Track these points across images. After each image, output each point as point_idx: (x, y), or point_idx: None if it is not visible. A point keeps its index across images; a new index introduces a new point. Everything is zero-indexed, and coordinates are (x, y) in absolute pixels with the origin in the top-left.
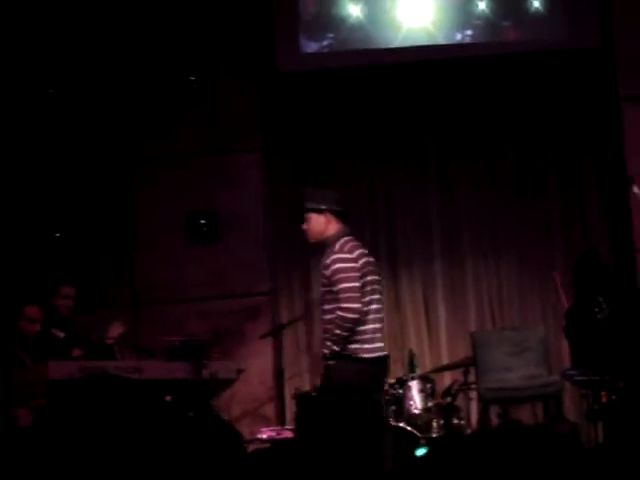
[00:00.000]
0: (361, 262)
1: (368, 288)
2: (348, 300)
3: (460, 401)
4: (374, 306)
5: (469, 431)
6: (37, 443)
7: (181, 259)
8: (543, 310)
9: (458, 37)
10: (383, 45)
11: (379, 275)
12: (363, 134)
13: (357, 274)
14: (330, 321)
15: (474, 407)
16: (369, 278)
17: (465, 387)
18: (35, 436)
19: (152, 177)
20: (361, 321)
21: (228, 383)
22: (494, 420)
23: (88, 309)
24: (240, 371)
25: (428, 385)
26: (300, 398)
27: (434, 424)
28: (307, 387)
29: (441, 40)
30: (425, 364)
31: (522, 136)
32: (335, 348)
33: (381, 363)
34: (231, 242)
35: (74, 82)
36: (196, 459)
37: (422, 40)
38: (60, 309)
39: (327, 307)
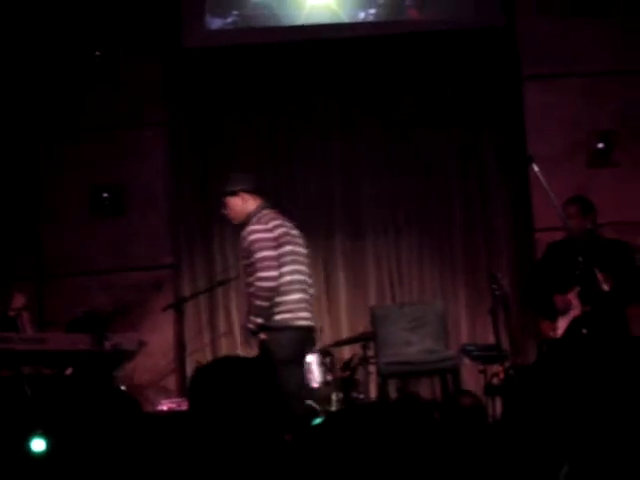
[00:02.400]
0: (277, 232)
1: (288, 258)
2: (264, 269)
3: (359, 375)
4: (297, 277)
5: None
6: None
7: (86, 232)
8: (442, 285)
9: (361, 15)
10: (287, 23)
11: (303, 246)
12: (267, 111)
13: (272, 244)
14: (252, 294)
15: (373, 381)
16: (288, 248)
17: (364, 361)
18: None
19: (57, 150)
20: (284, 291)
21: (130, 355)
22: (393, 394)
23: None
24: (142, 343)
25: (327, 359)
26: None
27: (333, 398)
28: (209, 360)
29: (344, 18)
30: (325, 338)
31: (424, 115)
32: (259, 321)
33: (306, 333)
34: (135, 215)
35: None
36: (94, 430)
37: (325, 18)
38: None
39: (249, 280)
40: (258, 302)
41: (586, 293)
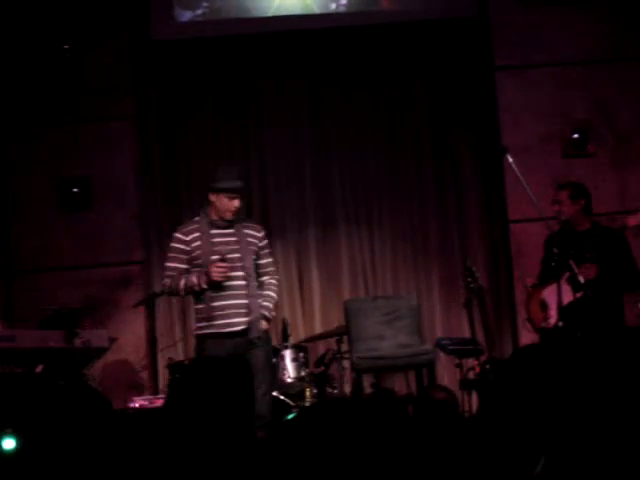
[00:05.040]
0: None
1: None
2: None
3: (334, 370)
4: None
5: None
6: None
7: (54, 227)
8: (416, 278)
9: (332, 6)
10: (257, 14)
11: None
12: (236, 103)
13: None
14: (269, 286)
15: (348, 376)
16: None
17: (339, 356)
18: None
19: (25, 145)
20: None
21: (100, 352)
22: (368, 389)
23: None
24: (112, 340)
25: (301, 354)
26: (173, 368)
27: (307, 393)
28: (180, 357)
29: (315, 9)
30: (299, 333)
31: (397, 107)
32: (274, 313)
33: None
34: (104, 210)
35: None
36: (64, 428)
37: (296, 9)
38: None
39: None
40: (276, 295)
41: (576, 279)
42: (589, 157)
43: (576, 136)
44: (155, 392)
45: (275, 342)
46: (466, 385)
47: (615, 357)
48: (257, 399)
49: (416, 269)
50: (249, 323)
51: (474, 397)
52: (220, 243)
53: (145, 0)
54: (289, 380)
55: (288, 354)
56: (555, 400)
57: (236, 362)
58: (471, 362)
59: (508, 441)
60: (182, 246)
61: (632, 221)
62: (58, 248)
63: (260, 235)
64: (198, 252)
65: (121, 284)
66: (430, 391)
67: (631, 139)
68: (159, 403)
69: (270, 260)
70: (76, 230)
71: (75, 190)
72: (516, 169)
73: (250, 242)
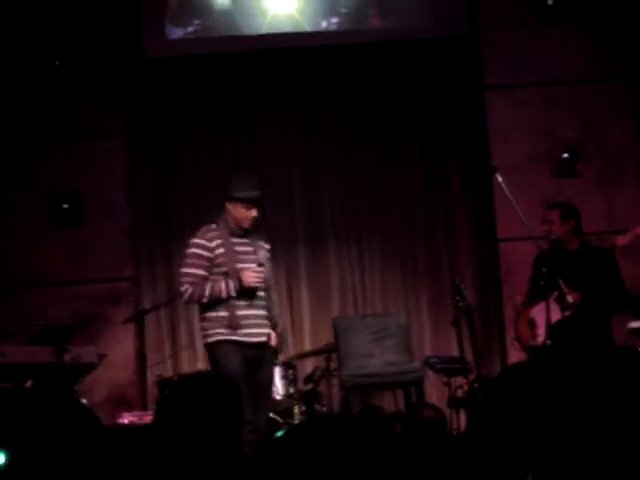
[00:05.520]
0: None
1: None
2: None
3: (322, 387)
4: None
5: None
6: None
7: (43, 242)
8: (405, 297)
9: (324, 25)
10: (249, 32)
11: None
12: (227, 120)
13: None
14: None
15: (336, 394)
16: None
17: (327, 373)
18: None
19: (15, 161)
20: None
21: (90, 368)
22: (356, 407)
23: None
24: (102, 356)
25: (290, 371)
26: (162, 384)
27: (296, 410)
28: (169, 373)
29: (307, 27)
30: (288, 350)
31: (387, 125)
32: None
33: None
34: (94, 226)
35: None
36: (54, 444)
37: (288, 27)
38: None
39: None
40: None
41: (565, 299)
42: (578, 177)
43: (565, 156)
44: (144, 408)
45: None
46: (454, 403)
47: (603, 376)
48: (259, 411)
49: (405, 287)
50: (267, 335)
51: (462, 415)
52: (241, 252)
53: (136, 17)
54: (278, 397)
55: (277, 371)
56: (543, 418)
57: (225, 380)
58: (459, 380)
59: (496, 459)
60: (204, 252)
61: (621, 241)
62: (47, 263)
63: (268, 248)
64: (222, 259)
65: (110, 300)
66: (418, 409)
67: (619, 159)
68: (148, 419)
69: (272, 274)
70: (65, 246)
71: (65, 206)
72: (505, 188)
73: (264, 254)
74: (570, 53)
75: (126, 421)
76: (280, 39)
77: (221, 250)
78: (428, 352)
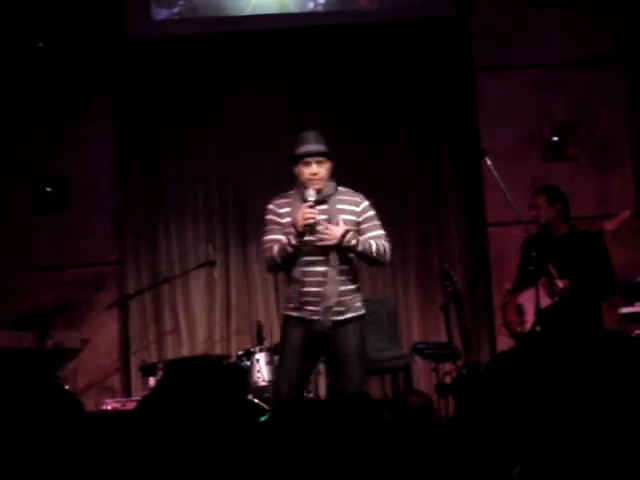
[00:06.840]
0: None
1: None
2: None
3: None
4: None
5: None
6: None
7: (28, 227)
8: (393, 282)
9: (310, 5)
10: (234, 13)
11: None
12: (214, 102)
13: None
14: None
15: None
16: None
17: None
18: None
19: None
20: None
21: (73, 353)
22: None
23: None
24: (85, 341)
25: (276, 357)
26: (145, 370)
27: None
28: (154, 359)
29: (293, 8)
30: (273, 336)
31: (375, 108)
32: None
33: None
34: (79, 210)
35: None
36: (37, 430)
37: (274, 8)
38: None
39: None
40: (379, 250)
41: (554, 284)
42: (569, 160)
43: (556, 139)
44: (128, 394)
45: (249, 345)
46: (442, 390)
47: (593, 362)
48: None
49: (393, 272)
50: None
51: (450, 402)
52: None
53: None
54: (263, 383)
55: (262, 357)
56: (532, 405)
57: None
58: (448, 367)
59: (484, 446)
60: (274, 217)
61: (609, 226)
62: (31, 248)
63: (358, 209)
64: (289, 220)
65: (95, 285)
66: (406, 396)
67: (611, 143)
68: (131, 406)
69: (378, 233)
70: (50, 230)
71: (49, 189)
72: (495, 172)
73: (344, 220)
74: (562, 35)
75: (109, 407)
76: (266, 20)
77: (289, 215)
78: (416, 338)
